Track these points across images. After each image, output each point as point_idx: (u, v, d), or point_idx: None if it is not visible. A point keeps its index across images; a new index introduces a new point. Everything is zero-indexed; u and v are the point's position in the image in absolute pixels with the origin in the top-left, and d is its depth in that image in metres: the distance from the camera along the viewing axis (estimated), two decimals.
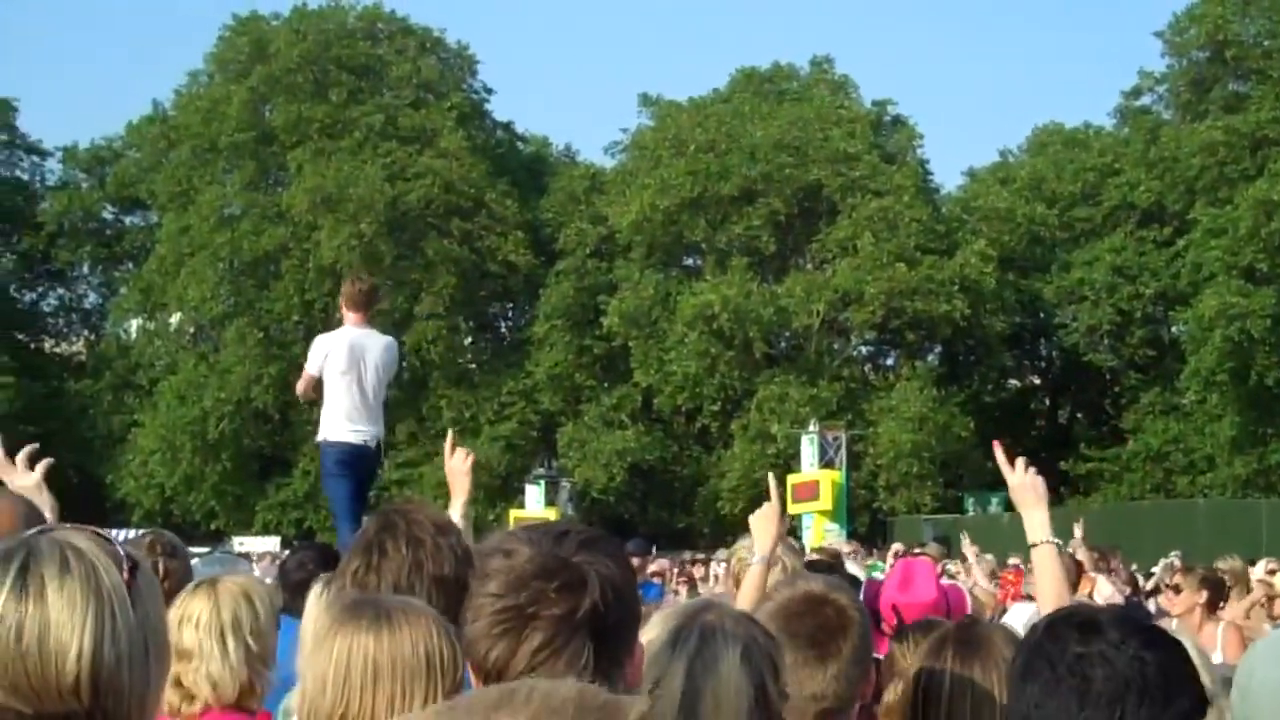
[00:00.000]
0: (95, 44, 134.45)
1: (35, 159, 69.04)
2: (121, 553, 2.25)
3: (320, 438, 11.67)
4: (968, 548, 15.13)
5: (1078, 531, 13.79)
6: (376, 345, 11.75)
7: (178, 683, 4.40)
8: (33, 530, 2.31)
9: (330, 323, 59.45)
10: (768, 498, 6.14)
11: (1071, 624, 2.93)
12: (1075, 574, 10.33)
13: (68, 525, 2.38)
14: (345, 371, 11.39)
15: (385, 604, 2.98)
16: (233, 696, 4.42)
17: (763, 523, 5.97)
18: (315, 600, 4.78)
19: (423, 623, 2.92)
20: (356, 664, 2.86)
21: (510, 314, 66.97)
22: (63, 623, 2.17)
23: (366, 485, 11.98)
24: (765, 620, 3.36)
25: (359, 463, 11.51)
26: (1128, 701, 2.79)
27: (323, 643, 2.93)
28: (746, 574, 6.11)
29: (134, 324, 63.92)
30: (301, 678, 2.97)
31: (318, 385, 11.56)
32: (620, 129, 67.52)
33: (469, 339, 63.87)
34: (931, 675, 3.68)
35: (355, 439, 11.39)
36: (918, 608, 6.09)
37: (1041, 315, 62.28)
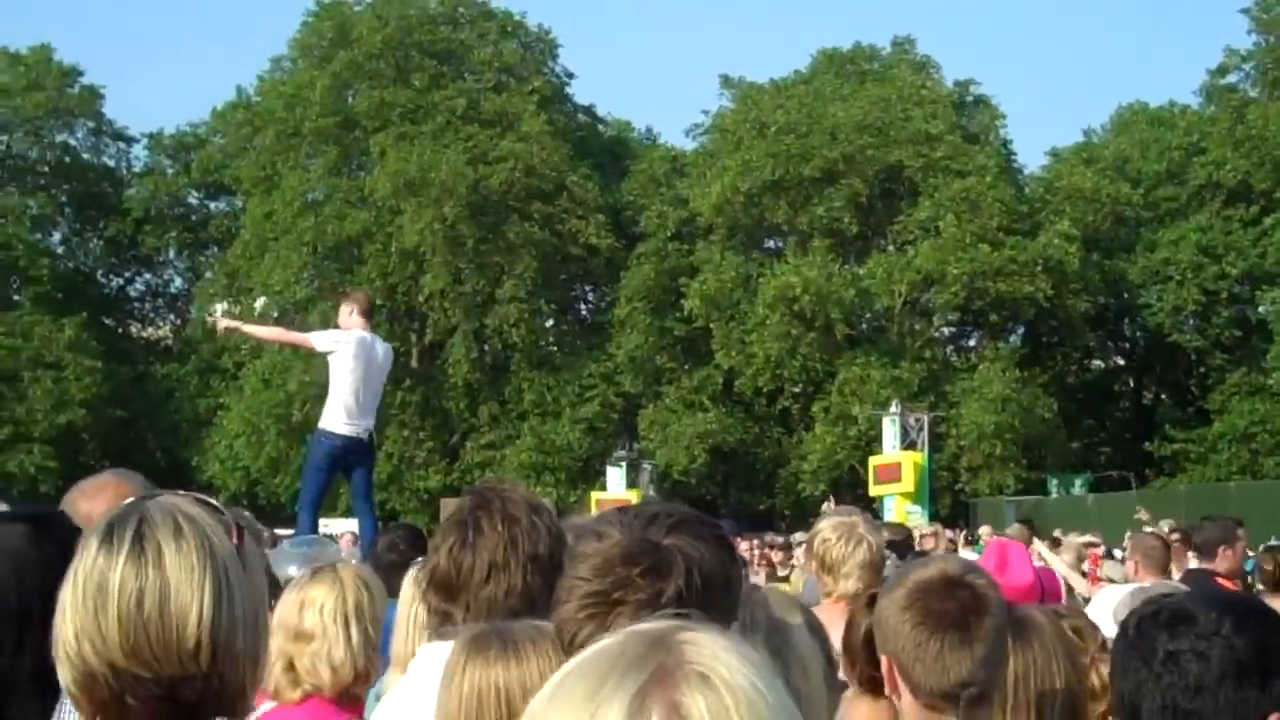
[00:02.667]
0: (180, 31, 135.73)
1: (121, 145, 69.63)
2: (230, 519, 2.31)
3: (320, 426, 12.32)
4: (1064, 539, 15.04)
5: (1143, 515, 13.73)
6: (382, 348, 12.84)
7: (289, 666, 4.47)
8: (141, 497, 2.35)
9: (399, 308, 59.85)
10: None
11: (1160, 621, 2.92)
12: (1165, 557, 10.26)
13: (177, 492, 2.44)
14: (355, 368, 12.28)
15: (510, 633, 3.00)
16: (349, 681, 4.48)
17: None
18: (410, 584, 4.85)
19: (548, 646, 2.94)
20: (489, 698, 2.89)
21: (591, 297, 67.06)
22: (182, 587, 2.22)
23: (367, 471, 13.01)
24: (899, 601, 3.33)
25: (348, 456, 12.45)
26: (1224, 689, 2.79)
27: (453, 678, 2.96)
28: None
29: (219, 308, 64.33)
30: (436, 714, 3.00)
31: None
32: (701, 111, 67.51)
33: (550, 322, 63.95)
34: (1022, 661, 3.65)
35: (350, 431, 12.31)
36: (1015, 591, 6.09)
37: (1126, 295, 61.74)
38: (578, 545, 2.42)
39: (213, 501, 2.34)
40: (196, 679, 2.23)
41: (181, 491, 2.42)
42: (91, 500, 3.79)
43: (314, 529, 12.31)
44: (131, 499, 2.35)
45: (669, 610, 2.29)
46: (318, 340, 12.85)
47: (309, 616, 4.49)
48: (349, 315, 12.52)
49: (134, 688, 2.22)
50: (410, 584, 4.84)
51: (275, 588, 5.64)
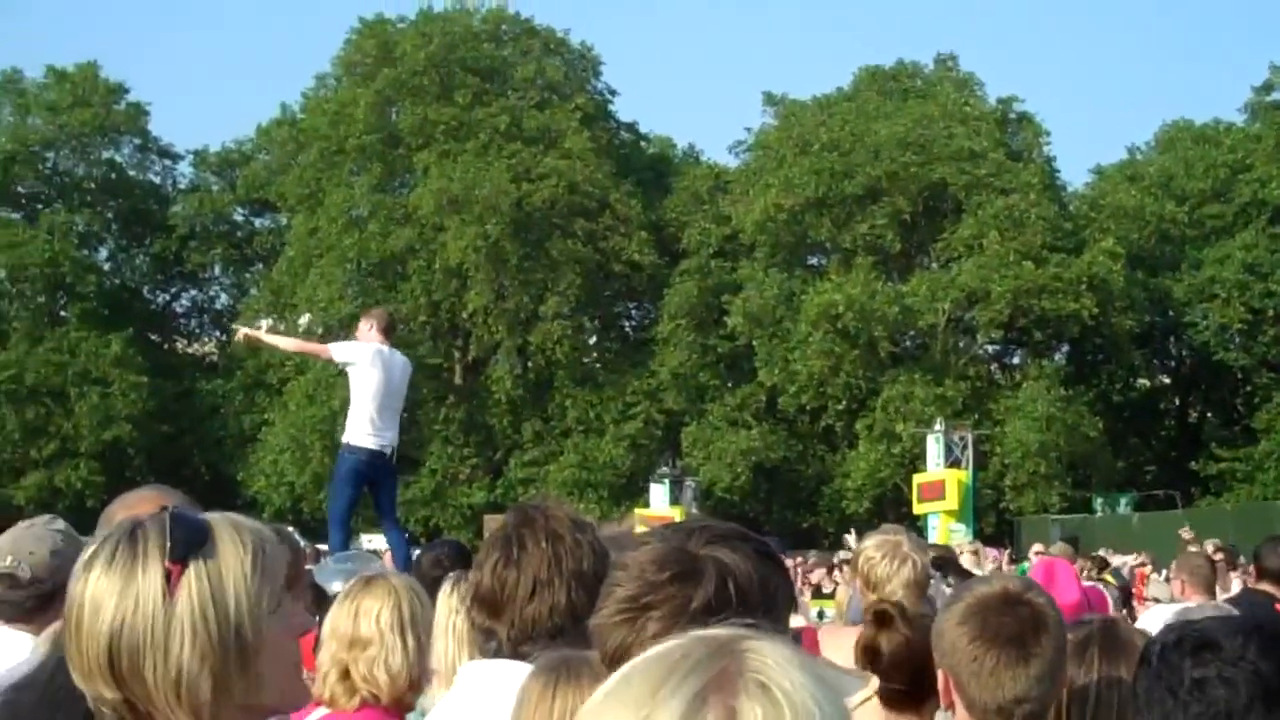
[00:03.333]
0: (225, 48, 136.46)
1: (167, 162, 70.11)
2: (170, 542, 2.22)
3: (344, 441, 12.42)
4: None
5: (1185, 534, 13.61)
6: (400, 361, 12.87)
7: (344, 674, 4.52)
8: (138, 517, 2.32)
9: (442, 325, 59.97)
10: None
11: (1184, 649, 2.91)
12: (1212, 576, 10.20)
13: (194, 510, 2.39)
14: (373, 379, 12.34)
15: (595, 660, 3.01)
16: (404, 689, 4.53)
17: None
18: (445, 598, 4.87)
19: None
20: None
21: (634, 314, 67.09)
22: (96, 608, 2.19)
23: (392, 487, 13.10)
24: (958, 616, 3.33)
25: (371, 470, 12.48)
26: (1253, 715, 2.78)
27: (540, 704, 2.95)
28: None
29: (264, 324, 64.49)
30: None
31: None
32: (744, 128, 67.44)
33: (593, 338, 64.03)
34: (1076, 677, 3.63)
35: (374, 444, 12.34)
36: (1063, 609, 6.05)
37: (1171, 314, 61.46)
38: (622, 555, 2.44)
39: (162, 524, 2.27)
40: (121, 702, 2.21)
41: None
42: (130, 512, 3.81)
43: (346, 544, 12.35)
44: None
45: (735, 621, 2.29)
46: (335, 351, 12.95)
47: (364, 624, 4.53)
48: (368, 330, 12.59)
49: None
50: (446, 598, 4.87)
51: (322, 601, 5.68)
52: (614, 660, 2.31)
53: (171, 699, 2.18)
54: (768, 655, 1.39)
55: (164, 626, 2.17)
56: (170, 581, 2.18)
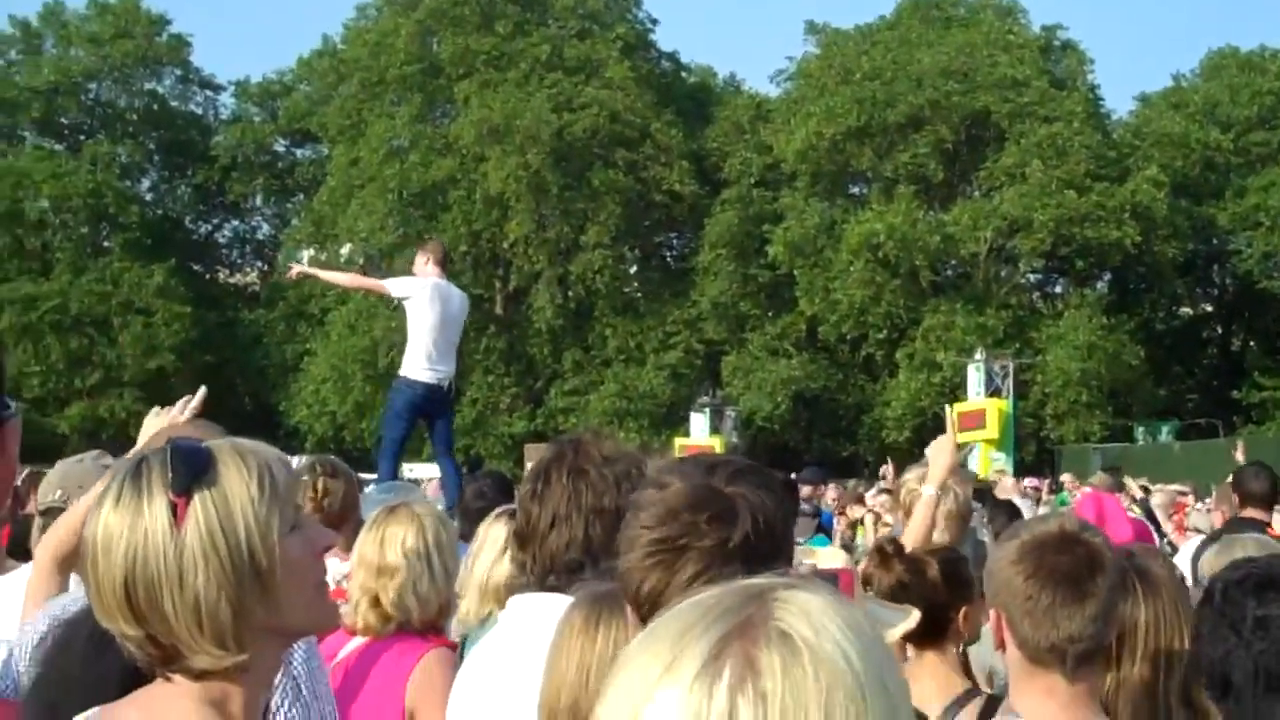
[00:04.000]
0: None
1: (209, 94, 70.26)
2: (172, 474, 2.21)
3: (400, 374, 12.43)
4: (1133, 485, 14.88)
5: (1239, 456, 13.49)
6: (458, 295, 12.81)
7: (375, 601, 4.58)
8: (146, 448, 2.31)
9: (483, 255, 60.01)
10: (944, 429, 6.27)
11: (1247, 587, 2.90)
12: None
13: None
14: (431, 313, 12.30)
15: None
16: (435, 614, 4.59)
17: (939, 453, 6.19)
18: (489, 526, 4.90)
19: None
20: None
21: (675, 243, 66.98)
22: (108, 546, 2.19)
23: (448, 420, 13.12)
24: (1011, 555, 3.33)
25: (428, 404, 12.48)
26: None
27: (582, 636, 2.95)
28: (918, 503, 6.16)
29: (305, 255, 64.67)
30: (552, 669, 2.99)
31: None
32: (786, 57, 67.46)
33: (634, 268, 63.98)
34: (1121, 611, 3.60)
35: (430, 379, 12.32)
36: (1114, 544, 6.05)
37: (1215, 242, 61.10)
38: (639, 497, 2.42)
39: (164, 454, 2.24)
40: (143, 638, 2.22)
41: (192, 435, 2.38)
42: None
43: (394, 476, 12.38)
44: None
45: (734, 565, 2.30)
46: (392, 286, 12.95)
47: (390, 552, 4.61)
48: (424, 264, 12.58)
49: None
50: (489, 528, 4.89)
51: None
52: (646, 603, 2.32)
53: (194, 629, 2.18)
54: (797, 603, 1.36)
55: (175, 558, 2.17)
56: (176, 514, 2.18)
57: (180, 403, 4.35)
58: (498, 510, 4.98)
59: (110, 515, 2.21)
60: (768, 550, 2.31)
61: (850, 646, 1.34)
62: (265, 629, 2.25)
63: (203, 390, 4.43)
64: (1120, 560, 3.49)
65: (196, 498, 2.20)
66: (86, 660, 2.70)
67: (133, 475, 2.24)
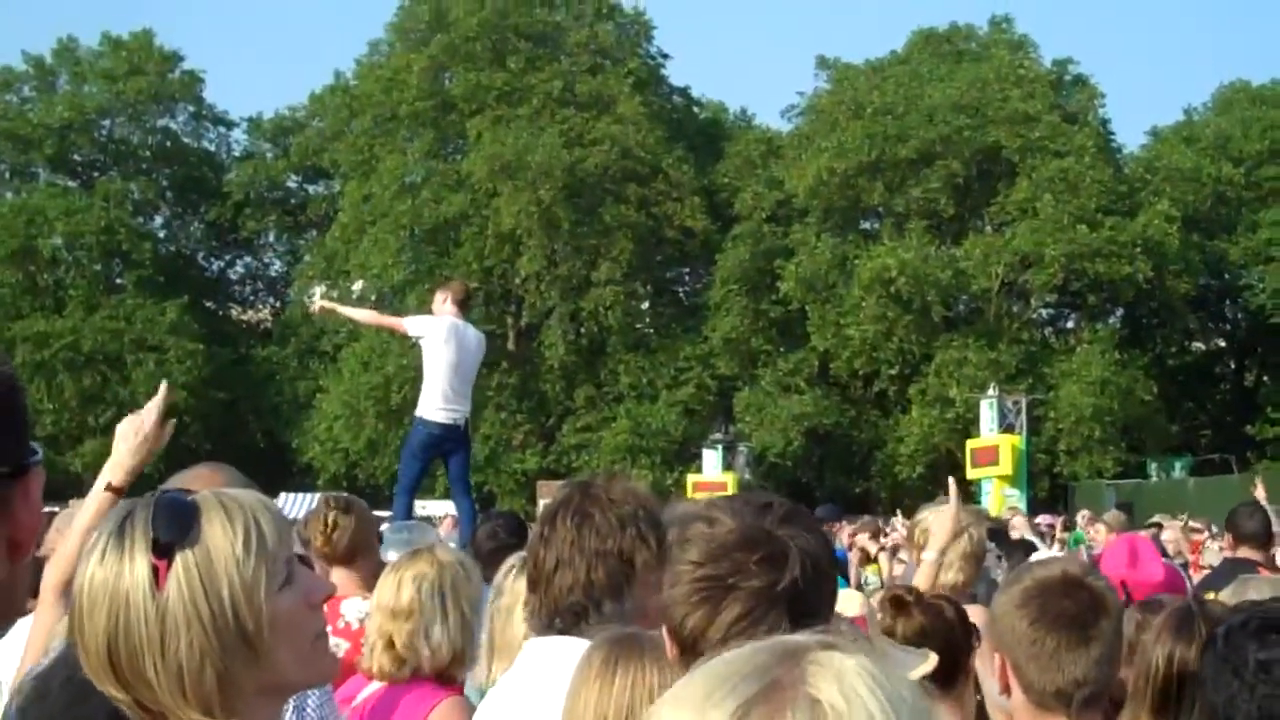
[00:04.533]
0: (278, 15, 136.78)
1: (221, 130, 70.41)
2: (153, 532, 2.13)
3: (416, 414, 12.53)
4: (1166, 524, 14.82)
5: (1259, 494, 13.42)
6: (474, 335, 12.93)
7: (390, 644, 4.57)
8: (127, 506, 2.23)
9: (495, 291, 60.07)
10: (955, 469, 6.31)
11: (1249, 631, 2.90)
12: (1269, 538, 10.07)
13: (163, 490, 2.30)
14: (447, 353, 12.41)
15: (655, 638, 3.00)
16: (447, 661, 4.57)
17: (940, 523, 6.23)
18: (506, 575, 4.85)
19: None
20: (642, 698, 2.90)
21: (687, 279, 67.02)
22: (92, 607, 2.13)
23: (465, 458, 13.16)
24: (1015, 599, 3.34)
25: (444, 443, 12.62)
26: None
27: (598, 679, 2.96)
28: (921, 564, 6.19)
29: (318, 291, 64.77)
30: (569, 713, 3.01)
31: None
32: (797, 92, 67.60)
33: (646, 304, 64.00)
34: (1186, 658, 3.57)
35: (445, 418, 12.45)
36: (1146, 587, 6.01)
37: (1227, 277, 61.06)
38: (686, 531, 2.43)
39: (163, 500, 2.19)
40: (131, 703, 2.15)
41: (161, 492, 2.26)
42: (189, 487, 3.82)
43: (409, 514, 12.45)
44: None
45: (780, 608, 2.30)
46: (410, 325, 13.02)
47: (405, 594, 4.61)
48: (442, 303, 12.64)
49: None
50: (505, 578, 4.86)
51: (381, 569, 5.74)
52: (688, 640, 2.32)
53: (178, 695, 2.11)
54: (832, 667, 1.30)
55: (157, 622, 2.10)
56: (158, 575, 2.11)
57: (150, 406, 4.28)
58: (513, 561, 4.94)
59: (95, 572, 2.15)
60: (814, 596, 2.32)
61: (885, 714, 1.28)
62: (257, 689, 2.18)
63: (164, 385, 4.35)
64: (1149, 600, 3.49)
65: (179, 558, 2.12)
66: (68, 707, 2.59)
67: (117, 531, 2.17)
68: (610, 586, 3.36)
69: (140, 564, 2.12)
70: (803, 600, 2.29)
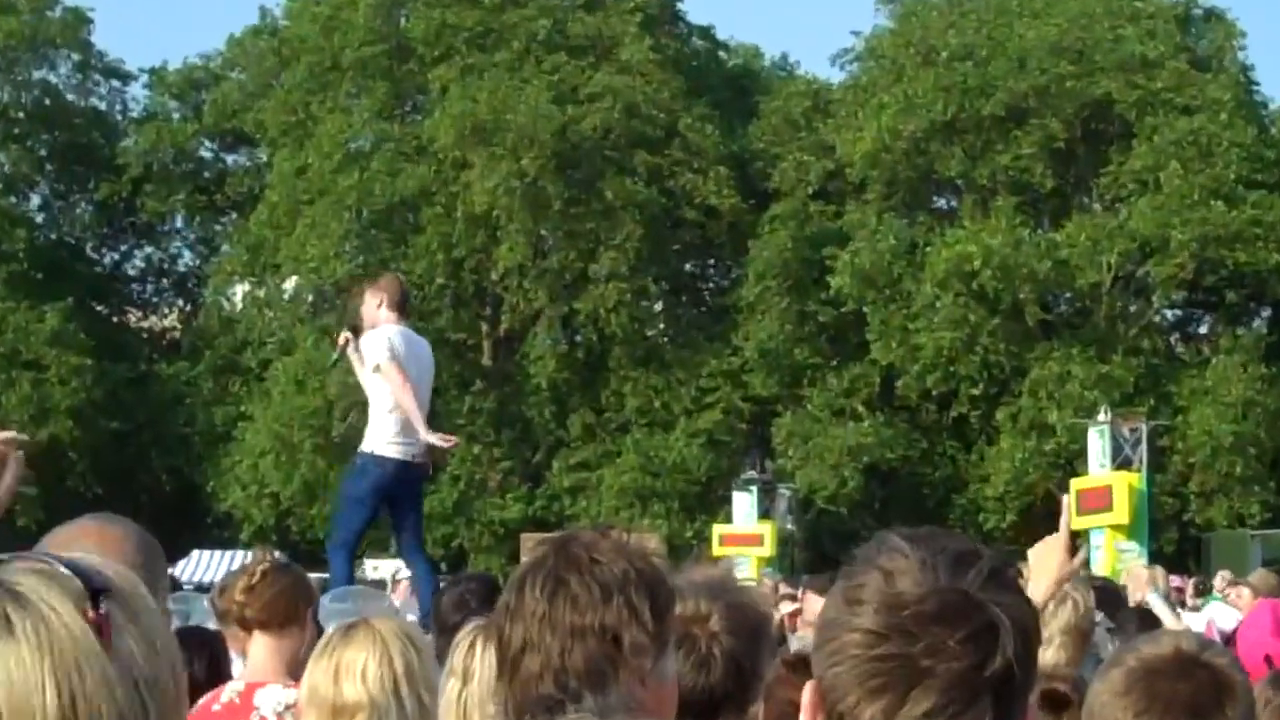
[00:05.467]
0: None
1: (115, 84, 70.27)
2: (78, 584, 2.10)
3: (362, 450, 12.49)
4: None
5: None
6: (426, 350, 13.13)
7: None
8: None
9: (466, 289, 60.07)
10: (1055, 516, 6.05)
11: None
12: None
13: (19, 556, 2.21)
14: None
15: None
16: None
17: (1046, 555, 5.62)
18: (464, 656, 4.84)
19: None
20: None
21: (712, 273, 67.04)
22: (20, 698, 2.04)
23: (419, 507, 13.48)
24: (1118, 684, 3.35)
25: (398, 486, 12.59)
26: None
27: None
28: None
29: (239, 290, 64.83)
30: None
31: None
32: (851, 33, 67.11)
33: (659, 305, 64.03)
34: None
35: (402, 453, 12.42)
36: None
37: None
38: (855, 582, 2.30)
39: (57, 568, 2.12)
40: None
41: (25, 556, 2.19)
42: (66, 550, 3.83)
43: (350, 577, 12.47)
44: None
45: (984, 699, 2.26)
46: (378, 357, 12.64)
47: (349, 688, 4.60)
48: (376, 308, 12.57)
49: None
50: (464, 658, 4.84)
51: None
52: None
53: None
54: None
55: (131, 692, 2.08)
56: (105, 634, 2.08)
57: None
58: (471, 627, 4.88)
59: None
60: (1023, 681, 2.24)
61: None
62: None
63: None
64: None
65: None
66: None
67: None
68: (589, 673, 3.32)
69: None
70: (1010, 687, 2.20)
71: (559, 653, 3.37)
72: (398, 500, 12.79)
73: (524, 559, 3.88)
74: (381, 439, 12.44)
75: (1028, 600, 2.31)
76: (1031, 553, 5.83)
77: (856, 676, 2.19)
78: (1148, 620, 10.82)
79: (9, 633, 2.04)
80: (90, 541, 3.89)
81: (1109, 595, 11.50)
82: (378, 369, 12.41)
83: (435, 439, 13.06)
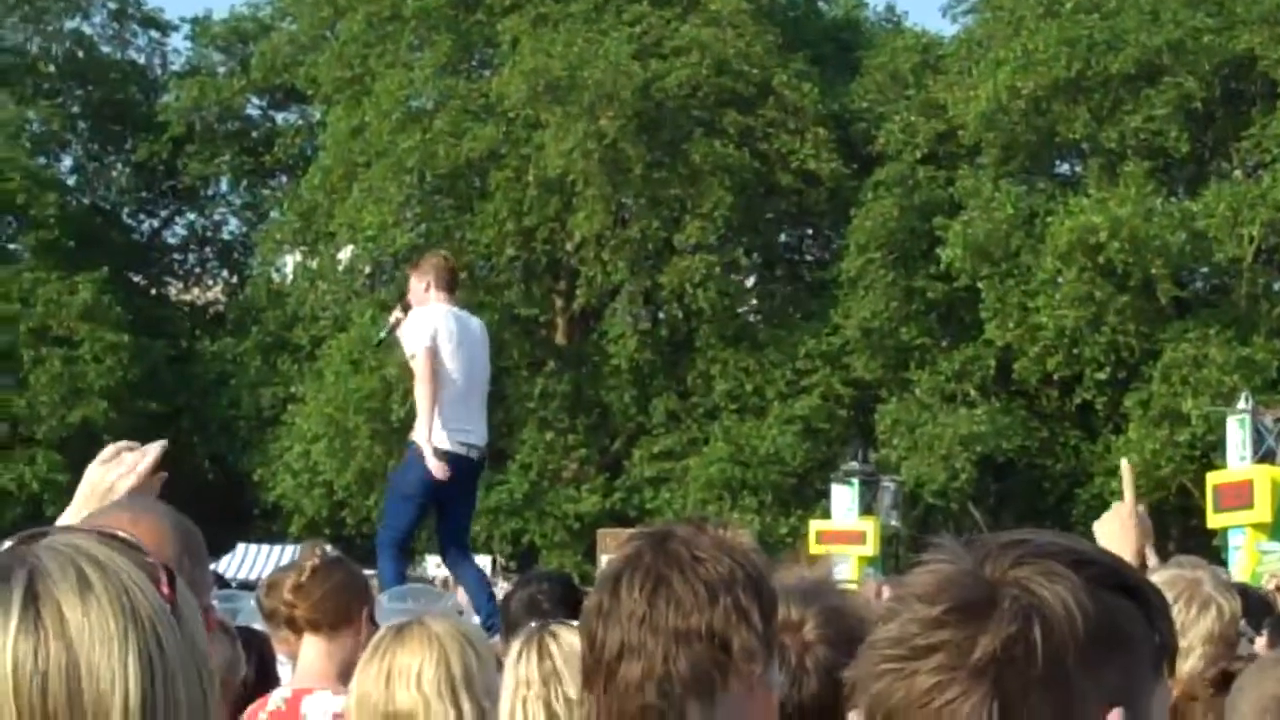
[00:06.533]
0: None
1: (154, 35, 70.77)
2: (151, 559, 2.19)
3: (413, 440, 12.51)
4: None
5: None
6: (479, 329, 13.18)
7: None
8: (23, 537, 2.21)
9: (538, 261, 60.22)
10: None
11: None
12: None
13: (76, 528, 2.33)
14: (453, 357, 12.54)
15: None
16: None
17: (1112, 533, 5.48)
18: (515, 666, 4.73)
19: None
20: None
21: (809, 244, 67.04)
22: (98, 665, 2.09)
23: (469, 502, 13.56)
24: (1262, 703, 3.28)
25: (450, 482, 12.64)
26: None
27: None
28: None
29: (289, 261, 65.07)
30: None
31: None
32: None
33: (751, 280, 64.04)
34: None
35: (460, 448, 12.61)
36: None
37: None
38: (904, 582, 2.33)
39: (126, 537, 2.22)
40: None
41: (84, 528, 2.29)
42: None
43: (400, 577, 12.49)
44: (10, 544, 2.20)
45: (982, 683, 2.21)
46: (416, 345, 12.67)
47: (401, 693, 4.60)
48: (424, 291, 12.61)
49: None
50: (514, 664, 4.76)
51: None
52: None
53: None
54: None
55: (197, 677, 2.16)
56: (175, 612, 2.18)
57: (138, 454, 4.30)
58: (530, 629, 4.80)
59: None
60: (1044, 669, 2.18)
61: None
62: None
63: (161, 444, 4.40)
64: None
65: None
66: None
67: None
68: (696, 681, 3.28)
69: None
70: (1015, 670, 2.14)
71: (662, 659, 3.29)
72: (448, 497, 12.82)
73: (608, 555, 3.80)
74: (434, 429, 12.44)
75: (1079, 586, 2.19)
76: (1097, 528, 5.66)
77: (872, 663, 2.25)
78: None
79: (89, 590, 2.09)
80: (121, 527, 3.81)
81: (1253, 602, 11.36)
82: (413, 357, 12.46)
83: (430, 454, 12.77)
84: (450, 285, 12.83)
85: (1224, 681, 4.74)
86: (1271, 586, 16.55)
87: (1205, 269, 57.42)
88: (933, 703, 2.16)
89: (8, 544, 2.20)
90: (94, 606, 2.09)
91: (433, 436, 12.42)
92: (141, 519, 3.73)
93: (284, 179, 69.42)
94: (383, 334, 15.14)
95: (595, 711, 3.41)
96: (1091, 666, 2.16)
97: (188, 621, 2.17)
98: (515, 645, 4.71)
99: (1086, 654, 2.15)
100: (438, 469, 12.60)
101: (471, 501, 13.45)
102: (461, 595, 15.97)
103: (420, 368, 12.36)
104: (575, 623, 3.92)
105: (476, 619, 10.94)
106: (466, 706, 4.54)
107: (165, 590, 2.15)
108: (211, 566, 5.31)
